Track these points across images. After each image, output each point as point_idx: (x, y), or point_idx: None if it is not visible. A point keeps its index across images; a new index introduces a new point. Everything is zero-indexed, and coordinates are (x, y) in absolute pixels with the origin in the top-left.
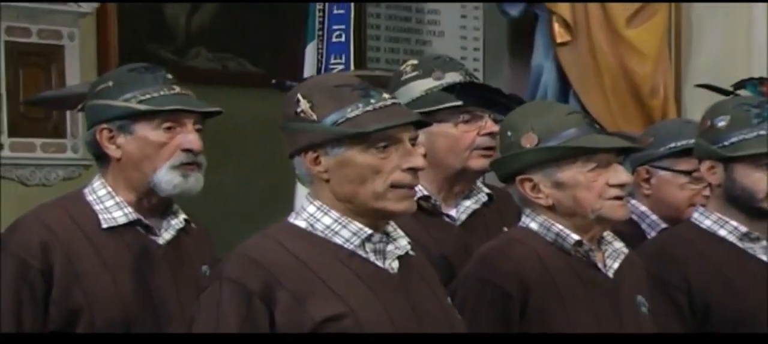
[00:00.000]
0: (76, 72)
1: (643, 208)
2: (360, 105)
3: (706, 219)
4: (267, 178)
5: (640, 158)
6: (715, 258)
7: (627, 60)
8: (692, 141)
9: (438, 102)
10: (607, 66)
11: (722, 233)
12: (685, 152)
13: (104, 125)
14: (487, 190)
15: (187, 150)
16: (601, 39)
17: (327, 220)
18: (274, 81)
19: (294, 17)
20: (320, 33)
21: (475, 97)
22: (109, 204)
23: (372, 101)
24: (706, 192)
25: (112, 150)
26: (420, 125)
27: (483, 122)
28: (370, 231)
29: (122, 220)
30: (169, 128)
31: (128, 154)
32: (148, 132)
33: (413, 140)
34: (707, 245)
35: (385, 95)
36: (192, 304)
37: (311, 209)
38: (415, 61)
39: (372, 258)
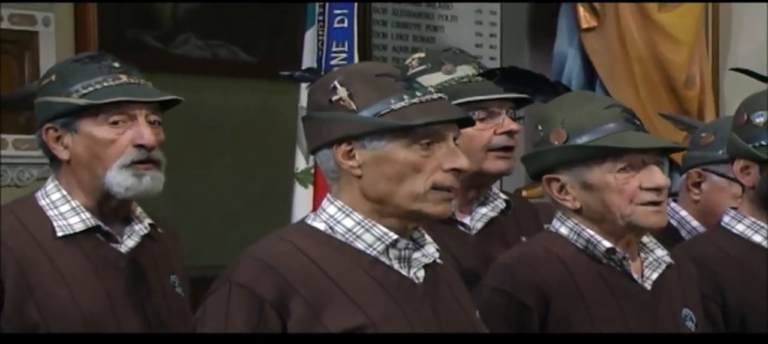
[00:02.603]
0: (51, 61)
1: (684, 213)
2: (405, 97)
3: (739, 224)
4: (263, 176)
5: (694, 159)
6: (750, 266)
7: (660, 47)
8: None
9: (451, 98)
10: (638, 54)
11: (757, 238)
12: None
13: (49, 125)
14: (504, 196)
15: (140, 146)
16: (631, 24)
17: (349, 222)
18: (286, 73)
19: (292, 1)
20: (321, 18)
21: (519, 83)
22: (64, 209)
23: (418, 93)
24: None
25: (59, 151)
26: (465, 123)
27: (500, 119)
28: (395, 237)
29: (79, 227)
30: (116, 123)
31: (76, 154)
32: (93, 129)
33: (455, 140)
34: (741, 252)
35: (430, 88)
36: (160, 316)
37: (332, 209)
38: (422, 54)
39: (396, 265)
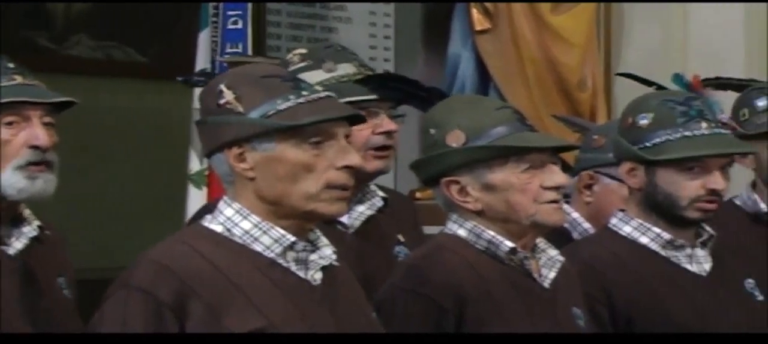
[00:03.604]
0: None
1: (576, 215)
2: (291, 97)
3: (626, 225)
4: (158, 177)
5: (586, 161)
6: (637, 268)
7: (552, 49)
8: None
9: (337, 95)
10: (531, 56)
11: (644, 240)
12: None
13: None
14: (381, 194)
15: (35, 147)
16: (524, 26)
17: (246, 225)
18: (181, 78)
19: (186, 2)
20: (215, 20)
21: (392, 90)
22: None
23: (304, 92)
24: None
25: None
26: (355, 120)
27: (379, 119)
28: (293, 239)
29: None
30: (10, 124)
31: None
32: None
33: (348, 138)
34: (628, 253)
35: (318, 87)
36: (50, 318)
37: (229, 212)
38: (304, 51)
39: (294, 267)
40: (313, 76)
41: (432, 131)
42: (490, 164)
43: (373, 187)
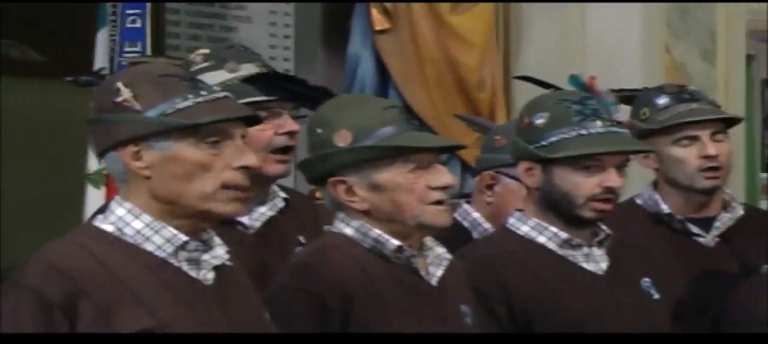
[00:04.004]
0: None
1: (476, 215)
2: (190, 96)
3: (524, 225)
4: (56, 177)
5: (487, 161)
6: (535, 267)
7: (452, 49)
8: None
9: (238, 96)
10: (430, 56)
11: (541, 240)
12: None
13: None
14: (283, 195)
15: None
16: (424, 26)
17: (137, 224)
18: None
19: (85, 1)
20: (113, 18)
21: (279, 89)
22: None
23: (202, 92)
24: None
25: None
26: (252, 121)
27: (281, 119)
28: (185, 238)
29: None
30: None
31: None
32: None
33: (243, 138)
34: (526, 252)
35: (215, 87)
36: None
37: (120, 211)
38: (207, 51)
39: (185, 267)
40: (216, 77)
41: (319, 130)
42: (376, 164)
43: (274, 188)
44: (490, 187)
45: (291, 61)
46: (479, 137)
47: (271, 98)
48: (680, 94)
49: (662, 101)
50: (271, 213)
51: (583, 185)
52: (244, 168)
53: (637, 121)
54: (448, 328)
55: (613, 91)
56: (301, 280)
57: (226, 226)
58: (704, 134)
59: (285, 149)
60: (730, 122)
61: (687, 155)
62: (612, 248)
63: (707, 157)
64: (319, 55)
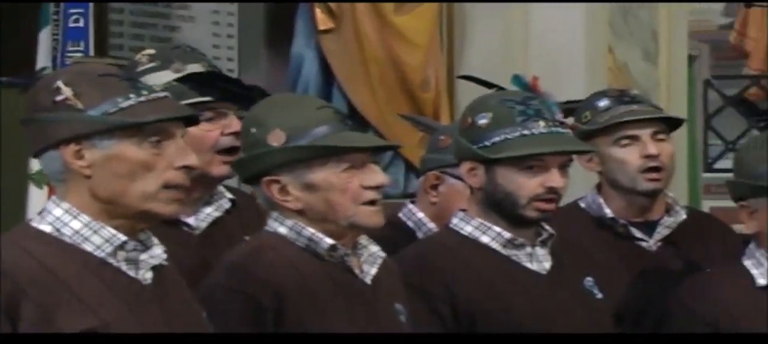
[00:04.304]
0: None
1: (421, 215)
2: (132, 95)
3: (467, 225)
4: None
5: (432, 161)
6: (479, 267)
7: (396, 49)
8: None
9: (179, 97)
10: (374, 55)
11: (485, 239)
12: None
13: None
14: (230, 195)
15: None
16: (368, 26)
17: (76, 224)
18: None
19: (27, 0)
20: (55, 17)
21: (213, 89)
22: None
23: (143, 92)
24: None
25: None
26: (191, 121)
27: (227, 119)
28: (124, 238)
29: None
30: None
31: None
32: None
33: (182, 138)
34: (470, 253)
35: (155, 87)
36: None
37: (58, 212)
38: (153, 51)
39: (124, 267)
40: (161, 77)
41: (253, 130)
42: (310, 163)
43: (220, 188)
44: (434, 187)
45: (234, 61)
46: (423, 136)
47: (214, 99)
48: (621, 96)
49: (603, 103)
50: (217, 214)
51: (526, 185)
52: (186, 168)
53: (579, 124)
54: (381, 327)
55: (560, 104)
56: (235, 279)
57: (172, 227)
58: (644, 134)
59: (231, 150)
60: (672, 124)
61: (628, 156)
62: (555, 248)
63: (648, 156)
64: (263, 55)
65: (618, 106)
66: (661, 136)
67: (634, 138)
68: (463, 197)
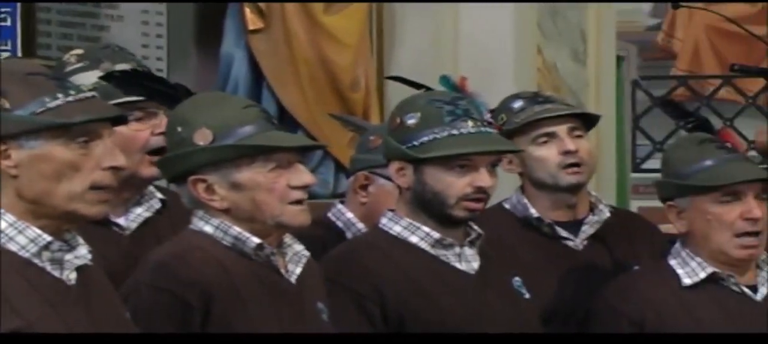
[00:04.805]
0: None
1: (350, 215)
2: (59, 95)
3: (396, 225)
4: None
5: (361, 162)
6: (408, 267)
7: (325, 49)
8: None
9: (108, 97)
10: (304, 55)
11: (413, 239)
12: None
13: None
14: (160, 195)
15: None
16: (297, 26)
17: (1, 224)
18: None
19: None
20: None
21: (138, 86)
22: None
23: (71, 92)
24: None
25: None
26: (118, 121)
27: (157, 119)
28: (49, 238)
29: None
30: None
31: None
32: None
33: (110, 138)
34: (399, 253)
35: (83, 87)
36: None
37: None
38: (81, 51)
39: (49, 267)
40: (90, 77)
41: (179, 128)
42: (237, 163)
43: (150, 189)
44: (364, 187)
45: (164, 61)
46: (353, 136)
47: (144, 99)
48: (535, 97)
49: (518, 104)
50: (147, 214)
51: (454, 185)
52: (114, 169)
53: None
54: (306, 326)
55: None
56: (161, 278)
57: (103, 227)
58: (561, 130)
59: (161, 150)
60: (589, 122)
61: (547, 153)
62: (483, 249)
63: (567, 152)
64: (193, 55)
65: (532, 106)
66: (577, 132)
67: (551, 135)
68: (392, 197)
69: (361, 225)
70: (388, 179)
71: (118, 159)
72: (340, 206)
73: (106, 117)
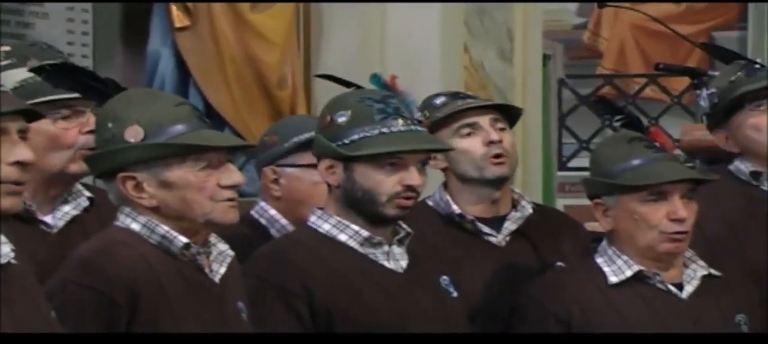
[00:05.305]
0: None
1: (273, 212)
2: None
3: (325, 223)
4: None
5: (264, 159)
6: (337, 265)
7: (252, 47)
8: None
9: (35, 95)
10: (231, 54)
11: (342, 238)
12: (308, 145)
13: None
14: (88, 193)
15: None
16: (224, 24)
17: None
18: None
19: None
20: None
21: (67, 81)
22: None
23: None
24: None
25: None
26: (33, 117)
27: (85, 118)
28: None
29: None
30: None
31: None
32: None
33: (22, 133)
34: (328, 250)
35: (5, 84)
36: None
37: None
38: (8, 48)
39: None
40: (17, 75)
41: (109, 125)
42: (167, 161)
43: (78, 186)
44: (275, 181)
45: (89, 59)
46: None
47: (73, 96)
48: (456, 94)
49: (440, 100)
50: (75, 212)
51: (384, 183)
52: (19, 164)
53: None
54: (227, 325)
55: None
56: (87, 275)
57: (30, 225)
58: (484, 121)
59: (89, 149)
60: (511, 118)
61: (471, 145)
62: (411, 247)
63: (491, 143)
64: (119, 52)
65: (455, 101)
66: (501, 125)
67: (475, 126)
68: (304, 182)
69: (284, 221)
70: (293, 165)
71: (23, 154)
72: (262, 203)
73: (13, 111)
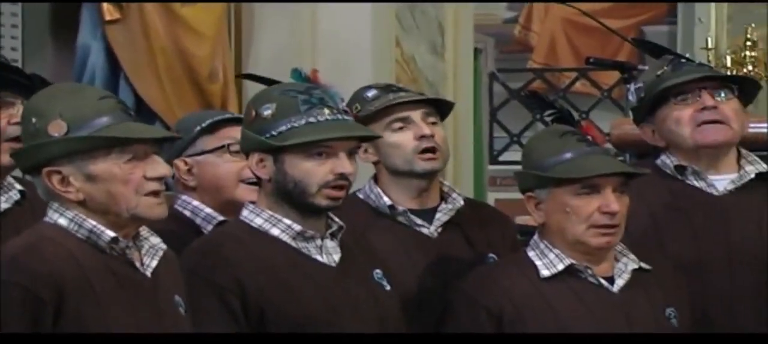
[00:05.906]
0: None
1: (196, 202)
2: None
3: (257, 217)
4: None
5: (172, 153)
6: (269, 260)
7: (183, 40)
8: (219, 116)
9: None
10: (161, 46)
11: (275, 232)
12: (212, 129)
13: None
14: (19, 187)
15: None
16: (155, 17)
17: None
18: None
19: None
20: None
21: None
22: None
23: None
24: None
25: None
26: None
27: (14, 109)
28: None
29: None
30: None
31: None
32: None
33: None
34: (260, 245)
35: None
36: None
37: None
38: None
39: None
40: None
41: (33, 119)
42: (92, 154)
43: (9, 179)
44: (189, 172)
45: (18, 51)
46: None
47: None
48: (388, 87)
49: (371, 93)
50: (5, 205)
51: (315, 172)
52: None
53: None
54: (162, 321)
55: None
56: (12, 272)
57: None
58: (416, 115)
59: (18, 139)
60: (442, 111)
61: (402, 139)
62: (344, 241)
63: (422, 137)
64: (48, 45)
65: (386, 94)
66: (432, 119)
67: (406, 120)
68: (217, 165)
69: (209, 210)
70: (200, 153)
71: None
72: (184, 196)
73: None
